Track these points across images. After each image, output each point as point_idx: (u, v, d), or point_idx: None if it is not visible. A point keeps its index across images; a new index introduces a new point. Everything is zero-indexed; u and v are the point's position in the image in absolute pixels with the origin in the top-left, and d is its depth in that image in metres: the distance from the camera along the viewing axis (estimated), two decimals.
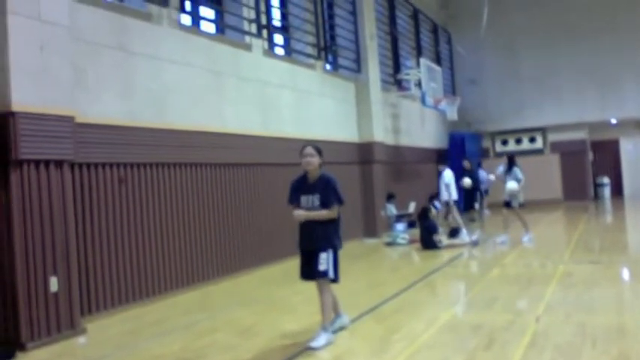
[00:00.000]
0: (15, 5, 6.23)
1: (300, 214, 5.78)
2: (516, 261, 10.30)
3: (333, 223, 5.85)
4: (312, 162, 5.81)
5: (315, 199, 5.80)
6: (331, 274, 5.77)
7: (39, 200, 6.41)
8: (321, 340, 5.63)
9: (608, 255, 10.36)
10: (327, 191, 5.78)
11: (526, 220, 12.74)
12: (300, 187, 5.92)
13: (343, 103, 14.82)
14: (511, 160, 12.81)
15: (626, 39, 21.72)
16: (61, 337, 6.48)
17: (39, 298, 6.32)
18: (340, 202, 5.82)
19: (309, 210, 5.79)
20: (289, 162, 11.35)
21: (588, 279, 8.13)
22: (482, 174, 19.15)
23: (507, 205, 12.75)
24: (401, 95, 18.31)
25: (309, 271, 5.85)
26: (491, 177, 19.19)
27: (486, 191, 19.35)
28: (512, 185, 12.49)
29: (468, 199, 17.66)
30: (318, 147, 5.91)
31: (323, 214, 5.75)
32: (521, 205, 12.77)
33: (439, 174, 14.73)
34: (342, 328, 6.13)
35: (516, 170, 12.62)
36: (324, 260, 5.72)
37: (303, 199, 5.85)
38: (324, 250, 5.75)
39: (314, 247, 5.79)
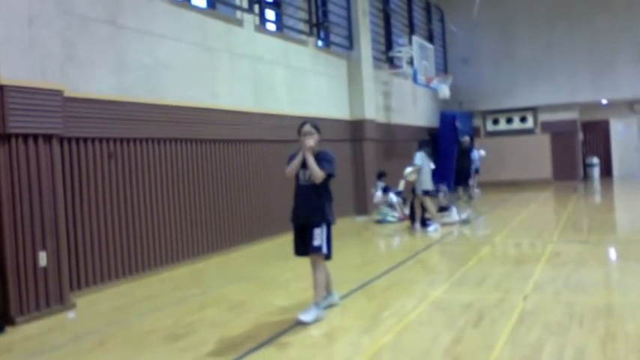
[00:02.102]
0: None
1: (310, 142, 5.73)
2: (506, 240, 10.36)
3: (327, 198, 5.86)
4: (312, 140, 5.79)
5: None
6: (324, 249, 5.79)
7: (27, 174, 6.36)
8: (310, 314, 5.66)
9: (596, 235, 10.44)
10: (324, 161, 5.77)
11: (420, 212, 12.15)
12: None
13: (335, 80, 14.74)
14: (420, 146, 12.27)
15: (621, 20, 21.67)
16: (50, 312, 6.48)
17: (28, 273, 6.30)
18: (333, 172, 5.79)
19: (306, 184, 5.80)
20: (281, 139, 11.34)
21: (577, 258, 8.20)
22: (474, 152, 19.27)
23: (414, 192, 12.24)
24: (393, 73, 18.23)
25: (303, 247, 5.88)
26: (482, 152, 19.30)
27: (477, 170, 19.46)
28: (406, 170, 12.08)
29: (462, 177, 17.79)
30: (317, 124, 5.90)
31: (315, 169, 5.68)
32: (426, 193, 11.98)
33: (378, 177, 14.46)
34: (331, 306, 6.15)
35: (416, 155, 12.03)
36: (319, 235, 5.74)
37: (301, 172, 5.83)
38: (319, 225, 5.77)
39: (308, 221, 5.80)
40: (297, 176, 5.88)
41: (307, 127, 5.82)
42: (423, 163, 11.87)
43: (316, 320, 5.66)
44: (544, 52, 22.68)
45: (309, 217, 5.81)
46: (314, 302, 5.80)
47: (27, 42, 6.35)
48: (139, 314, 6.45)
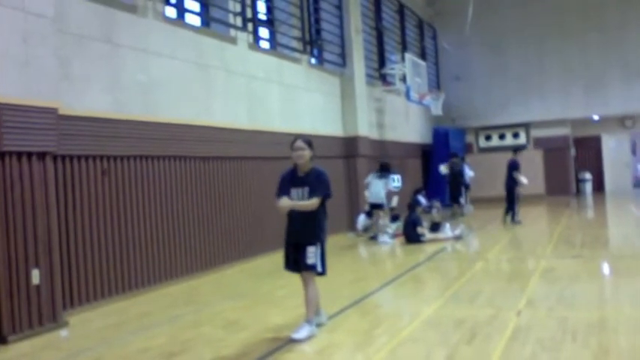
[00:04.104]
0: None
1: (285, 204, 5.66)
2: (499, 256, 10.38)
3: (321, 217, 5.81)
4: (304, 155, 5.75)
5: (306, 192, 5.74)
6: (319, 267, 5.79)
7: (21, 192, 6.35)
8: (303, 332, 5.63)
9: (589, 250, 10.47)
10: (317, 183, 5.72)
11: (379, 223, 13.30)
12: (291, 180, 5.84)
13: (328, 97, 14.82)
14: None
15: (613, 37, 21.93)
16: (43, 330, 6.44)
17: (21, 291, 6.28)
18: (328, 195, 5.77)
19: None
20: (275, 155, 11.37)
21: (570, 274, 8.22)
22: (466, 169, 19.36)
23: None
24: (386, 90, 18.34)
25: (295, 264, 5.85)
26: (471, 173, 19.37)
27: (467, 186, 19.53)
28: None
29: (454, 193, 17.86)
30: (309, 140, 5.84)
31: (307, 204, 5.68)
32: (375, 207, 13.41)
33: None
34: (319, 326, 6.00)
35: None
36: (312, 254, 5.72)
37: (294, 192, 5.77)
38: (313, 243, 5.74)
39: (303, 240, 5.76)
40: (290, 196, 5.77)
41: (299, 143, 5.77)
42: (369, 181, 13.50)
43: (309, 337, 5.63)
44: (536, 69, 22.88)
45: (303, 235, 5.77)
46: (306, 319, 5.76)
47: (22, 60, 6.37)
48: (132, 332, 6.42)
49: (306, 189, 5.75)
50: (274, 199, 5.88)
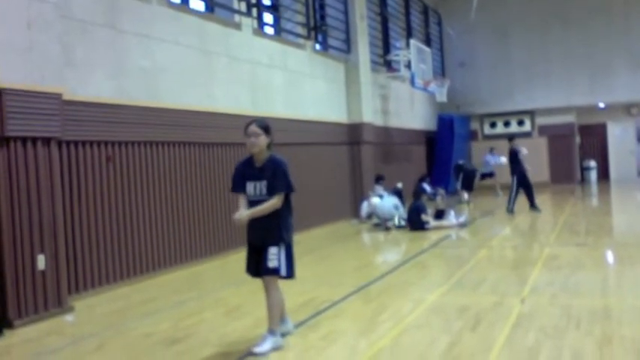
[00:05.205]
0: None
1: (242, 217, 5.00)
2: (503, 243, 10.38)
3: (285, 214, 5.09)
4: (258, 142, 4.99)
5: (263, 186, 5.00)
6: (283, 271, 5.06)
7: (26, 177, 6.37)
8: (266, 344, 4.97)
9: (593, 238, 10.46)
10: (275, 176, 4.97)
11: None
12: (246, 172, 5.11)
13: (332, 83, 14.77)
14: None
15: (617, 25, 21.79)
16: (48, 315, 6.49)
17: (26, 276, 6.31)
18: (290, 189, 5.05)
19: (259, 199, 5.02)
20: (279, 142, 11.31)
21: (574, 261, 8.22)
22: (492, 158, 19.67)
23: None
24: (390, 76, 18.27)
25: (257, 267, 5.16)
26: (503, 159, 19.42)
27: (492, 174, 19.74)
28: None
29: (466, 183, 18.20)
30: (265, 124, 5.07)
31: (266, 208, 4.97)
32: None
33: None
34: (285, 335, 5.31)
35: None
36: (274, 256, 5.00)
37: (250, 186, 5.05)
38: (275, 244, 5.02)
39: (264, 242, 5.06)
40: (246, 191, 5.12)
41: (252, 127, 5.01)
42: (374, 203, 13.33)
43: (274, 349, 4.99)
44: (541, 56, 22.75)
45: (264, 236, 5.06)
46: (269, 330, 5.08)
47: (26, 46, 6.37)
48: (136, 317, 6.46)
49: (264, 183, 5.00)
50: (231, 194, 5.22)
